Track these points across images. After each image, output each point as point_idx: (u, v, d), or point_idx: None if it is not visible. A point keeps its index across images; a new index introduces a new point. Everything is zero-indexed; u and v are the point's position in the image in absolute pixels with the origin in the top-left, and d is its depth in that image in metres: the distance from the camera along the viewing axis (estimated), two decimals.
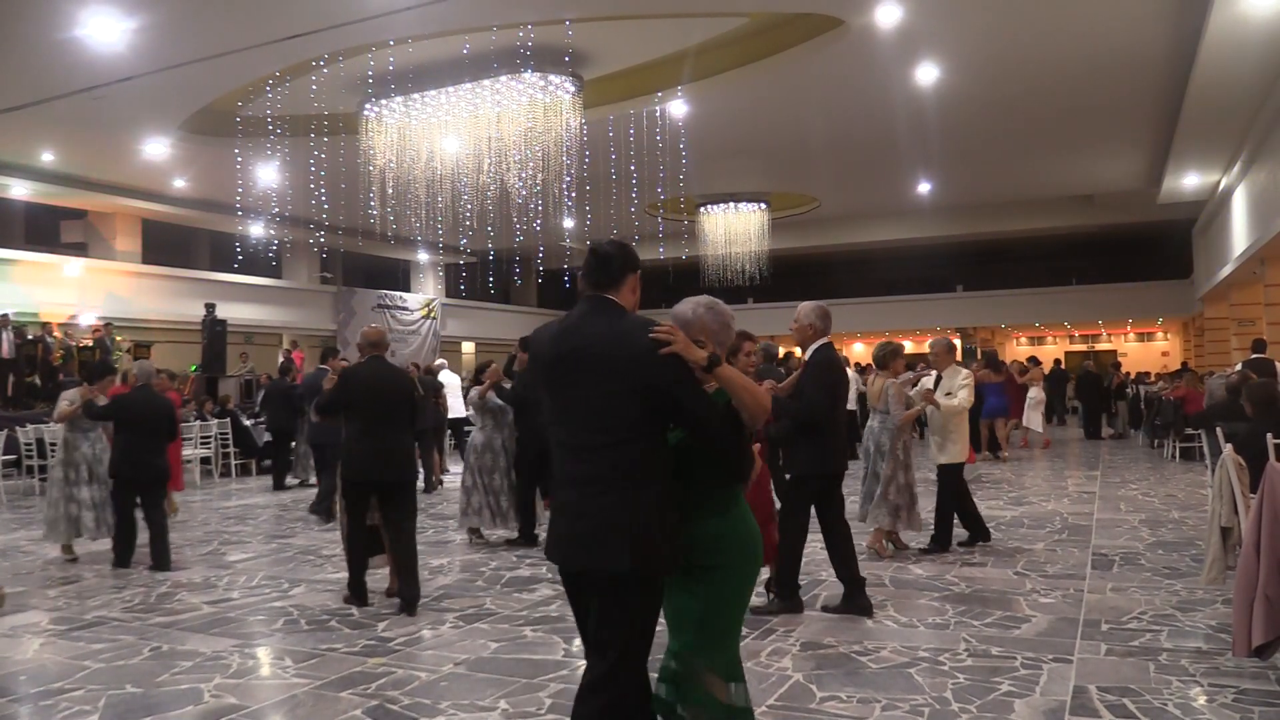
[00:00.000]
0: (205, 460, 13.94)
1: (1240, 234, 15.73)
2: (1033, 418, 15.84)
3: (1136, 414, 18.88)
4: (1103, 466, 13.67)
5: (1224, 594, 5.56)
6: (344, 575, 6.34)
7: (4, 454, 12.72)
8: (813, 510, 5.79)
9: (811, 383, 5.52)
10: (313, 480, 11.87)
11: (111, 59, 11.50)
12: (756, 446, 4.37)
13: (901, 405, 7.19)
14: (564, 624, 5.51)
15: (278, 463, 13.32)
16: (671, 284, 18.50)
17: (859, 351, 30.23)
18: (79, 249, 20.38)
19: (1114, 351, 30.30)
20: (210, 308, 18.60)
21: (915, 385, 7.83)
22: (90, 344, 16.50)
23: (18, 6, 10.23)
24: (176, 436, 8.20)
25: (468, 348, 28.47)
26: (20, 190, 18.08)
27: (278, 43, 11.12)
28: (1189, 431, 13.45)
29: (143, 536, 7.58)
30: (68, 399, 8.07)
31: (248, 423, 15.07)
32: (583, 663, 4.71)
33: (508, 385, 8.45)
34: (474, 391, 8.41)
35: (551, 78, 12.72)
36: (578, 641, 5.13)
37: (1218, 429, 6.03)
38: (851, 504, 7.54)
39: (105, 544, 7.93)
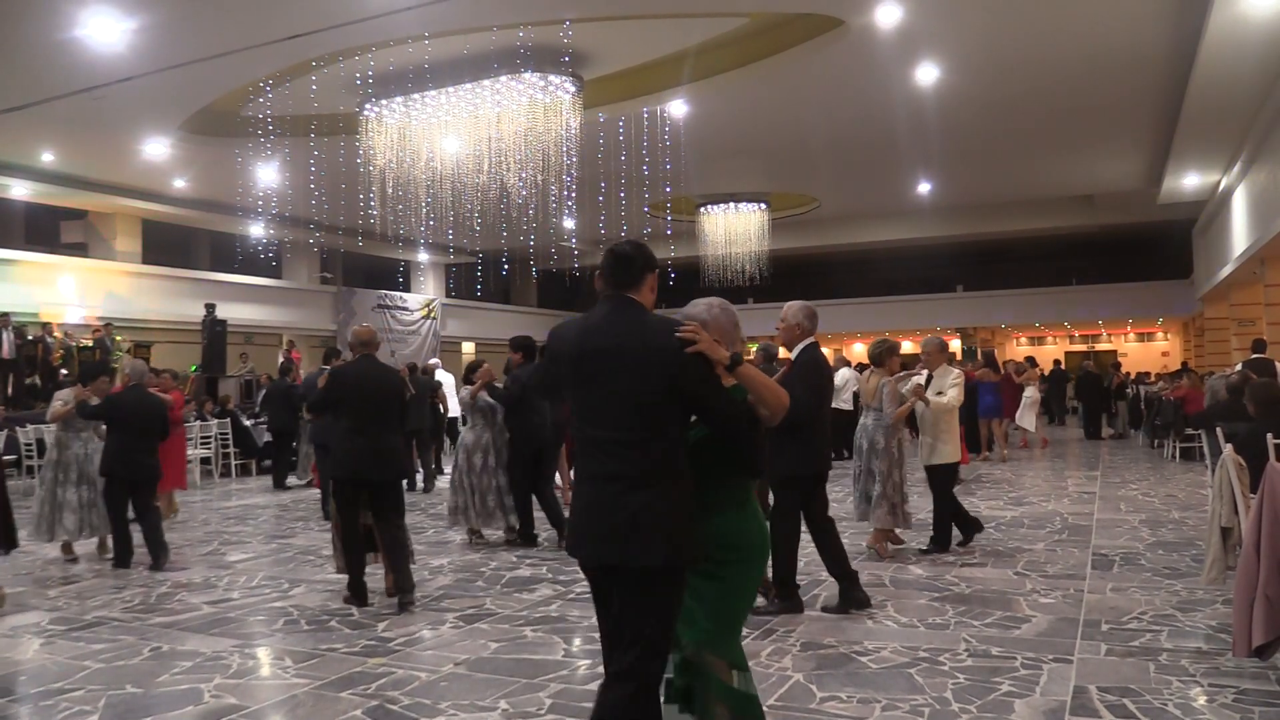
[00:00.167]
0: (205, 460, 13.94)
1: (1240, 234, 15.73)
2: (1026, 417, 15.94)
3: (1136, 414, 18.88)
4: (1103, 467, 13.68)
5: (1224, 594, 5.56)
6: (344, 575, 6.36)
7: (4, 454, 12.72)
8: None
9: (800, 383, 5.51)
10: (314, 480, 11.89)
11: (111, 59, 11.50)
12: None
13: (895, 403, 7.17)
14: (564, 624, 5.51)
15: (278, 463, 13.34)
16: (672, 284, 18.49)
17: (859, 351, 30.22)
18: (79, 249, 20.38)
19: (1114, 351, 30.31)
20: (210, 308, 18.60)
21: (907, 382, 7.81)
22: (90, 344, 16.49)
23: (18, 6, 10.23)
24: (168, 436, 8.20)
25: (468, 348, 28.46)
26: (20, 190, 18.07)
27: (278, 43, 11.12)
28: (1189, 431, 13.46)
29: (138, 536, 7.59)
30: (61, 399, 8.08)
31: (248, 423, 15.08)
32: (583, 662, 4.73)
33: (500, 385, 8.47)
34: (465, 391, 8.42)
35: (551, 78, 12.71)
36: (578, 641, 5.14)
37: (1218, 429, 6.03)
38: (846, 504, 7.54)
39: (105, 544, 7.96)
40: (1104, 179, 20.73)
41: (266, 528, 9.60)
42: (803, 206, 23.27)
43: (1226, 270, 17.20)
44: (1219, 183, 17.98)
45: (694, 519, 2.89)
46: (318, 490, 10.92)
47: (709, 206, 21.33)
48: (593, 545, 2.90)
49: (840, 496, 9.37)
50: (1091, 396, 19.71)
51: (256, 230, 20.58)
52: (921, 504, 8.43)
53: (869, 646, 4.92)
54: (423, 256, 26.89)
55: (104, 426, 7.82)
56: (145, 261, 20.63)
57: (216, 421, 14.39)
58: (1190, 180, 18.12)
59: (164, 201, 19.41)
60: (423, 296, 26.67)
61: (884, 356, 7.24)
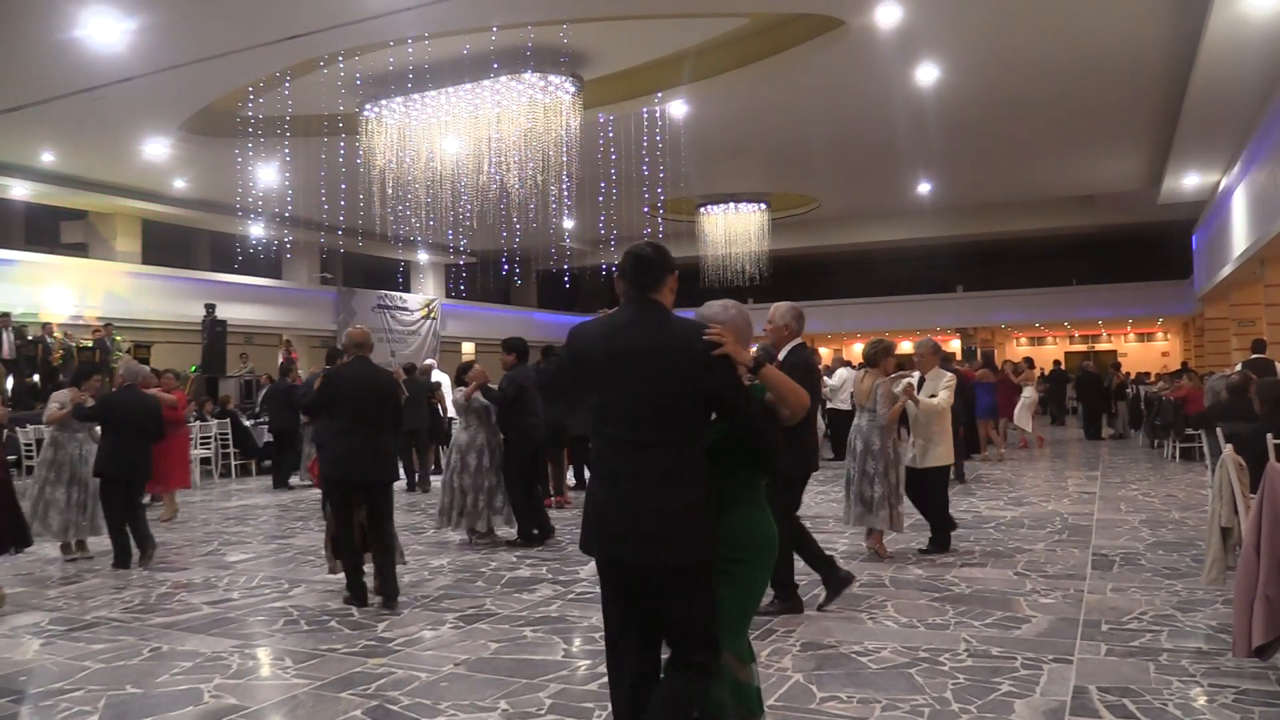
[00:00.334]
0: (205, 460, 13.94)
1: (1240, 234, 15.73)
2: (1023, 417, 16.03)
3: (1136, 414, 18.88)
4: (1103, 467, 13.67)
5: (1224, 594, 5.56)
6: (335, 576, 6.38)
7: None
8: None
9: None
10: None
11: (111, 59, 11.50)
12: None
13: (889, 403, 7.13)
14: (564, 624, 5.51)
15: (278, 463, 13.34)
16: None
17: (859, 351, 30.21)
18: (79, 249, 20.38)
19: (1114, 352, 30.32)
20: (210, 308, 18.60)
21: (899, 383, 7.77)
22: (90, 344, 16.49)
23: (18, 7, 10.23)
24: (163, 437, 8.22)
25: (468, 348, 28.47)
26: (20, 190, 18.07)
27: (278, 43, 11.13)
28: (1189, 432, 13.46)
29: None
30: (58, 401, 8.07)
31: (248, 423, 15.08)
32: (583, 663, 4.73)
33: (494, 387, 8.49)
34: (459, 394, 8.41)
35: (551, 78, 12.72)
36: (578, 641, 5.14)
37: (1218, 429, 6.03)
38: (825, 504, 7.47)
39: (106, 545, 7.95)
40: (1104, 179, 20.73)
41: (266, 528, 9.60)
42: (803, 206, 23.28)
43: (1226, 270, 17.20)
44: (1219, 183, 17.98)
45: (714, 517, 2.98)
46: (319, 490, 10.91)
47: (709, 207, 21.33)
48: (619, 544, 2.92)
49: (837, 496, 9.35)
50: (1091, 397, 19.71)
51: (256, 230, 20.57)
52: (911, 506, 8.42)
53: (869, 646, 4.92)
54: (423, 256, 26.90)
55: (98, 428, 7.83)
56: (145, 262, 20.62)
57: (216, 422, 14.39)
58: (1190, 180, 18.13)
59: (164, 201, 19.41)
60: (422, 297, 26.67)
61: (878, 357, 7.20)
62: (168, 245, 22.22)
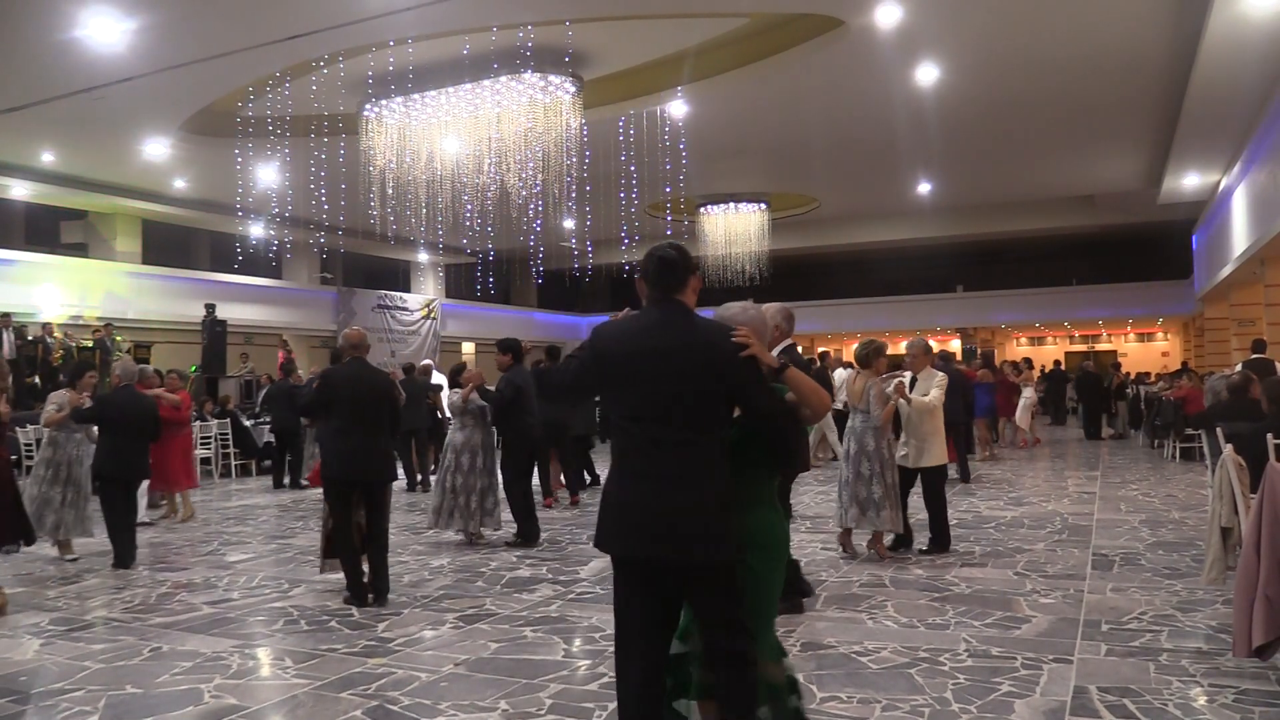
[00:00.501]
0: (205, 460, 13.94)
1: (1240, 234, 15.73)
2: (1022, 417, 16.06)
3: (1136, 414, 18.88)
4: (1103, 467, 13.67)
5: (1224, 594, 5.56)
6: (329, 576, 6.38)
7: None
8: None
9: None
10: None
11: (111, 59, 11.50)
12: None
13: (882, 404, 7.12)
14: (564, 624, 5.51)
15: (279, 463, 13.33)
16: None
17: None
18: (79, 249, 20.37)
19: (1114, 352, 30.32)
20: (210, 308, 18.60)
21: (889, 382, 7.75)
22: (90, 344, 16.49)
23: (18, 7, 10.23)
24: (160, 436, 8.22)
25: (468, 348, 28.48)
26: (20, 190, 18.06)
27: (278, 43, 11.12)
28: (1189, 432, 13.46)
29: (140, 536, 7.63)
30: (55, 404, 8.06)
31: (248, 423, 15.08)
32: (583, 663, 4.73)
33: (490, 388, 8.49)
34: (455, 396, 8.40)
35: (551, 78, 12.71)
36: (578, 641, 5.15)
37: (1218, 429, 6.03)
38: (821, 504, 7.47)
39: (93, 546, 8.02)
40: (1104, 179, 20.72)
41: (266, 528, 9.60)
42: (803, 206, 23.26)
43: (1226, 270, 17.20)
44: (1219, 183, 17.98)
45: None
46: (319, 489, 10.92)
47: (709, 207, 21.30)
48: (642, 541, 2.93)
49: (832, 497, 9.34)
50: (1091, 397, 19.71)
51: (256, 230, 20.56)
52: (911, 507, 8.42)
53: (869, 646, 4.92)
54: (423, 257, 26.89)
55: (95, 429, 7.83)
56: (145, 262, 20.62)
57: (216, 422, 14.39)
58: (1190, 180, 18.12)
59: (164, 201, 19.40)
60: (422, 297, 26.66)
61: (871, 358, 7.17)
62: (168, 245, 22.22)
